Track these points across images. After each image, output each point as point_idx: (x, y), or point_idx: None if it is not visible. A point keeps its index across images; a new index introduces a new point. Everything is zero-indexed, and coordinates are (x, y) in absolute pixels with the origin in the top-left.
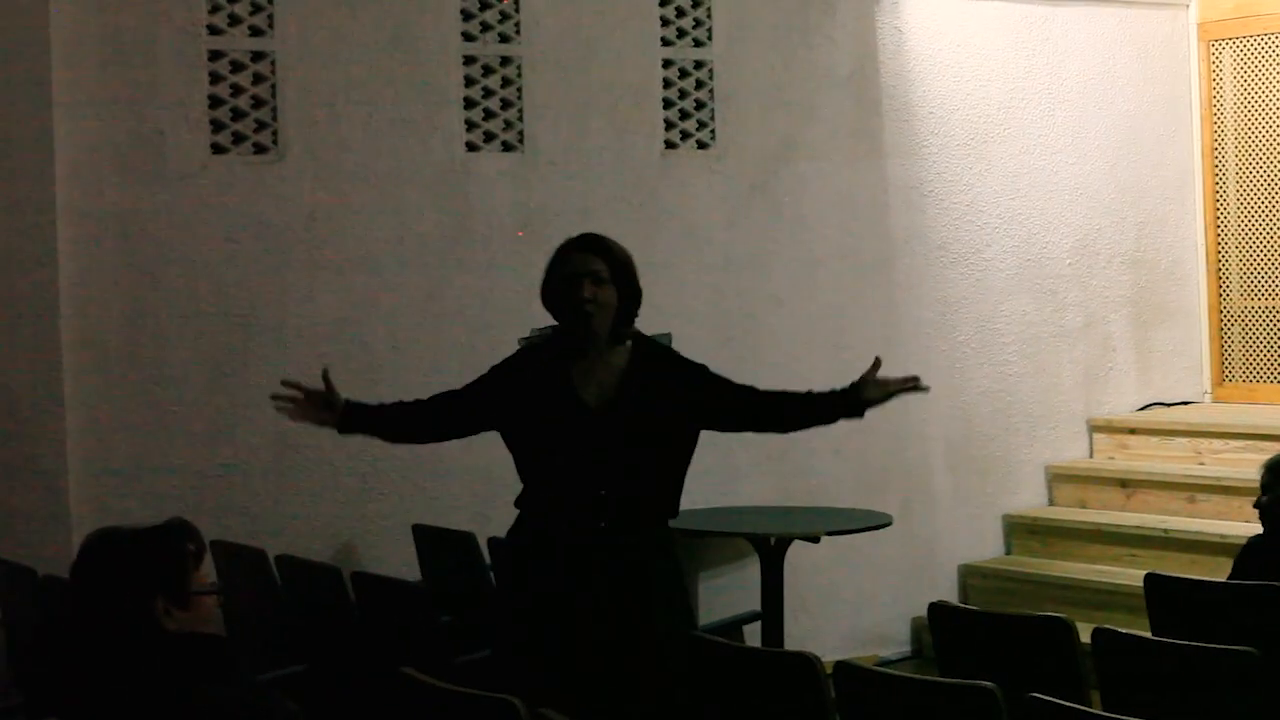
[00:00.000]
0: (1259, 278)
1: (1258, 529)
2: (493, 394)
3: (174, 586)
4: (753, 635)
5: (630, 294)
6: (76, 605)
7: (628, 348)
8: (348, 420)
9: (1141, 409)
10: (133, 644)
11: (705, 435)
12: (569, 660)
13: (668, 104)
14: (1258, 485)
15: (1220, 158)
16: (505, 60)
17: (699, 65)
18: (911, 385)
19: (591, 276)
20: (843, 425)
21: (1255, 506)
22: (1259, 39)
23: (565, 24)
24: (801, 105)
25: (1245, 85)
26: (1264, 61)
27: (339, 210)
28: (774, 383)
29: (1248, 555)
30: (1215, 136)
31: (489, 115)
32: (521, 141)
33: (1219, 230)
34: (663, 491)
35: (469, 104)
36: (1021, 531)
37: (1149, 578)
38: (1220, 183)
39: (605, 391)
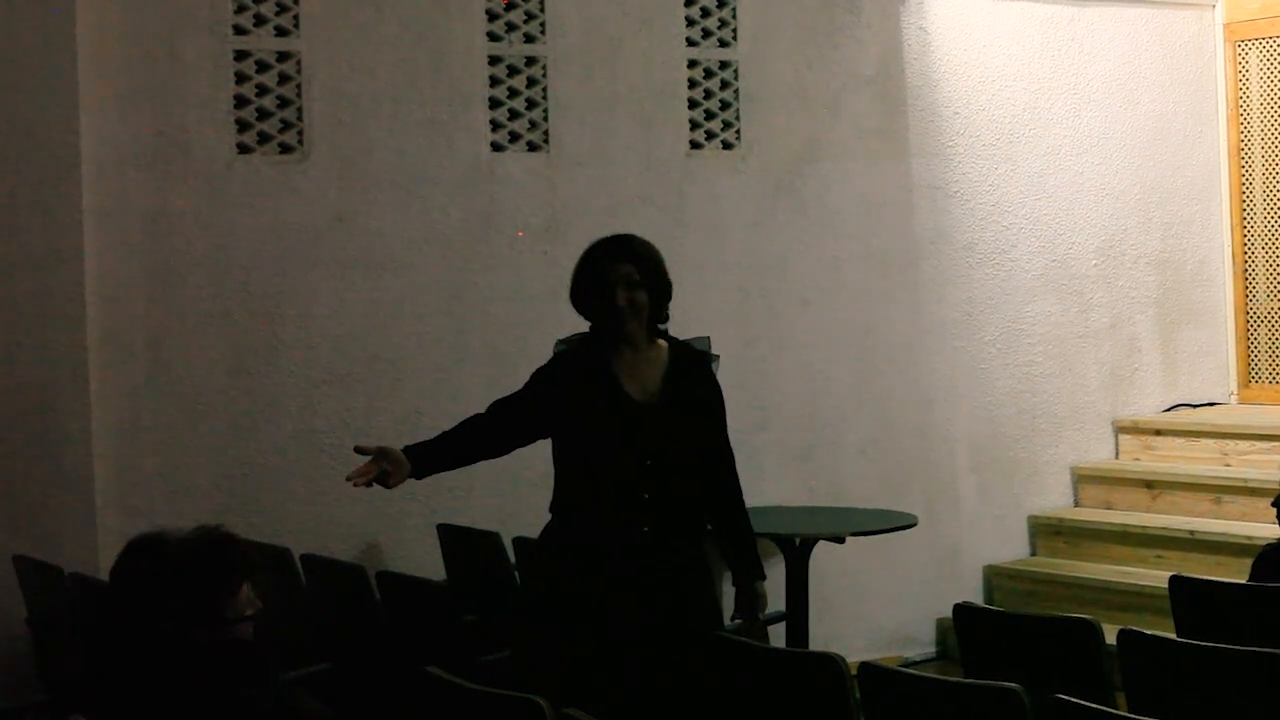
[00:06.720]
0: None
1: None
2: (545, 397)
3: (213, 615)
4: (777, 636)
5: (661, 290)
6: (112, 610)
7: (664, 347)
8: (419, 467)
9: (1167, 410)
10: (165, 648)
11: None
12: (601, 660)
13: (693, 104)
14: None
15: (1246, 158)
16: (530, 60)
17: (724, 65)
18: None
19: (625, 283)
20: (868, 426)
21: (1274, 505)
22: None
23: (590, 24)
24: (826, 106)
25: (1271, 86)
26: None
27: (364, 210)
28: (799, 383)
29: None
30: (1241, 137)
31: (514, 115)
32: (546, 141)
33: (1245, 231)
34: (697, 491)
35: (494, 104)
36: (1046, 532)
37: (1174, 579)
38: (1246, 183)
39: (648, 387)
